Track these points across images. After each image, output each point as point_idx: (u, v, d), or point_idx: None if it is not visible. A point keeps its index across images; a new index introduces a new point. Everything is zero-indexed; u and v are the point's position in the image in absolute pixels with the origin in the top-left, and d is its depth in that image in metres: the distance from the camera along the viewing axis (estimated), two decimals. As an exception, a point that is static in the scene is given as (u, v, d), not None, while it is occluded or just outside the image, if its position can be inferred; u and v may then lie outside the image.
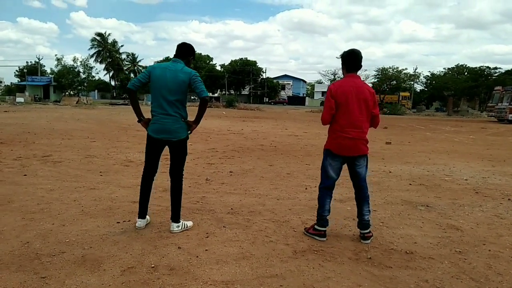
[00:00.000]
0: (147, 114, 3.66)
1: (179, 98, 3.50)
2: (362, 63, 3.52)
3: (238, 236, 3.56)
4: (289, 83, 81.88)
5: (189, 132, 3.65)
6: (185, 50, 3.64)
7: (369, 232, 3.56)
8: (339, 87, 3.42)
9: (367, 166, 3.63)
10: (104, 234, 3.47)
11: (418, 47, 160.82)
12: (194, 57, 3.78)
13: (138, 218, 3.70)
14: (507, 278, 2.86)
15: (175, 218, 3.64)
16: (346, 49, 3.52)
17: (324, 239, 3.52)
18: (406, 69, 59.32)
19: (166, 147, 3.64)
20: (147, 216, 3.77)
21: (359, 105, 3.38)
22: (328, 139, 3.55)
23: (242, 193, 5.15)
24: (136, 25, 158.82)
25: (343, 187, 5.11)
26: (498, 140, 14.66)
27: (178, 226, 3.61)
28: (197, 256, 3.06)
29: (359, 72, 3.57)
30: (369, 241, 3.52)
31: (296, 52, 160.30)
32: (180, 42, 3.69)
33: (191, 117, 3.64)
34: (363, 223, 3.55)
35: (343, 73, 3.57)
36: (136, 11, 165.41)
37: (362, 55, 3.49)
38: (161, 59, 66.43)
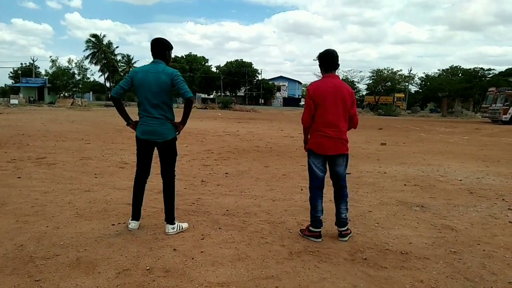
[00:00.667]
0: (137, 117, 3.64)
1: (163, 100, 3.47)
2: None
3: (234, 237, 3.55)
4: (284, 85, 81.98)
5: (177, 133, 3.63)
6: (160, 46, 3.54)
7: (347, 229, 3.60)
8: (317, 87, 3.47)
9: (347, 165, 3.66)
10: (99, 237, 3.45)
11: (413, 48, 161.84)
12: (171, 48, 3.64)
13: (131, 219, 3.69)
14: (501, 277, 2.88)
15: (170, 219, 3.63)
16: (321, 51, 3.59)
17: (320, 240, 3.53)
18: (400, 70, 59.84)
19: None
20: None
21: (336, 104, 3.43)
22: (310, 138, 3.61)
23: (238, 195, 5.15)
24: (131, 27, 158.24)
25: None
26: (492, 140, 14.77)
27: (173, 228, 3.60)
28: (193, 258, 3.05)
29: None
30: (346, 238, 3.55)
31: (292, 54, 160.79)
32: (152, 39, 3.58)
33: (178, 118, 3.63)
34: (340, 221, 3.59)
35: (321, 74, 3.62)
36: (132, 13, 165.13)
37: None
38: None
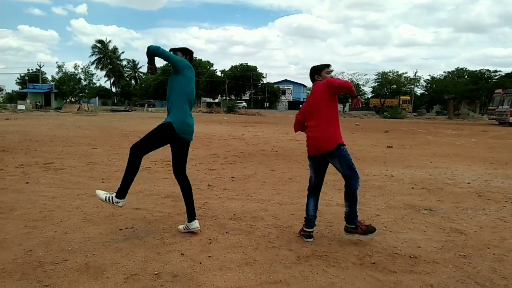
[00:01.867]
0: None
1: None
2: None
3: (241, 242, 3.55)
4: (289, 88, 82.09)
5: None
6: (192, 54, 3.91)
7: (355, 227, 3.56)
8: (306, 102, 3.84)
9: (344, 157, 3.49)
10: (106, 241, 3.46)
11: (418, 51, 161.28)
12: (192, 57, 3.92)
13: (119, 198, 3.52)
14: (512, 282, 2.85)
15: (194, 215, 3.74)
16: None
17: (310, 240, 3.59)
18: (406, 73, 59.68)
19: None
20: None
21: (315, 108, 3.59)
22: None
23: (245, 199, 5.14)
24: (136, 32, 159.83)
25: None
26: (499, 143, 14.64)
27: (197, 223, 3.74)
28: (200, 263, 3.05)
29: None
30: (348, 235, 3.60)
31: (296, 57, 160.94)
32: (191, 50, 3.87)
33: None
34: (346, 216, 3.61)
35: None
36: (137, 18, 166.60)
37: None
38: (161, 65, 66.58)
